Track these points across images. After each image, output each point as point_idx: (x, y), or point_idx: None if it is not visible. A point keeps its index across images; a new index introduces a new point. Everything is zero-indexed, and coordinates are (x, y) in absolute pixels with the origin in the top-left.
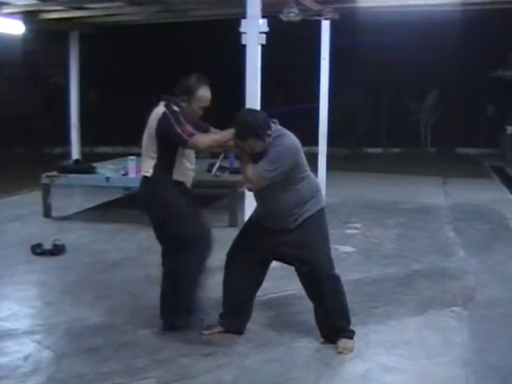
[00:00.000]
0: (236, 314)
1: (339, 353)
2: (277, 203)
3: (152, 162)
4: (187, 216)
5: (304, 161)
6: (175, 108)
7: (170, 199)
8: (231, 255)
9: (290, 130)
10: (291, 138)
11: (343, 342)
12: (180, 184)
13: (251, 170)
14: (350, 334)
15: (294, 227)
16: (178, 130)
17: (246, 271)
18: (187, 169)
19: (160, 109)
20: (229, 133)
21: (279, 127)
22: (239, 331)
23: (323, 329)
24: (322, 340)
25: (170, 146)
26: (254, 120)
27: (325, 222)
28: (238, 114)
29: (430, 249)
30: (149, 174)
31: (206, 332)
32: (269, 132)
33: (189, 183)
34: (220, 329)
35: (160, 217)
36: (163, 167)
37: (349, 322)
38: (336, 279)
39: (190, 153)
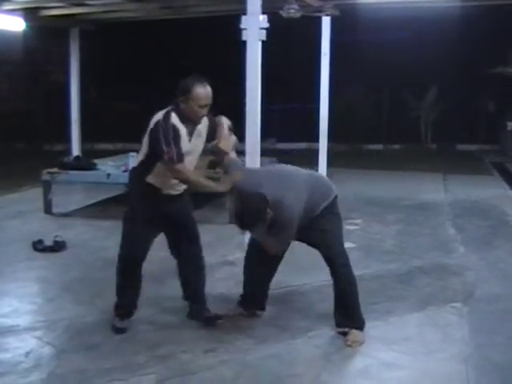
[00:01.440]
0: (255, 294)
1: (348, 346)
2: None
3: (140, 158)
4: (135, 222)
5: (302, 193)
6: (173, 121)
7: (132, 196)
8: (252, 243)
9: (289, 127)
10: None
11: (353, 335)
12: (151, 187)
13: (274, 242)
14: (362, 325)
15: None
16: (164, 147)
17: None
18: (168, 178)
19: (159, 115)
20: (219, 187)
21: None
22: (261, 308)
23: (337, 315)
24: (324, 336)
25: (155, 153)
26: (255, 213)
27: (338, 207)
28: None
29: (431, 245)
30: (135, 166)
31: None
32: (268, 212)
33: (168, 191)
34: (240, 310)
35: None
36: (144, 166)
37: (360, 313)
38: (349, 268)
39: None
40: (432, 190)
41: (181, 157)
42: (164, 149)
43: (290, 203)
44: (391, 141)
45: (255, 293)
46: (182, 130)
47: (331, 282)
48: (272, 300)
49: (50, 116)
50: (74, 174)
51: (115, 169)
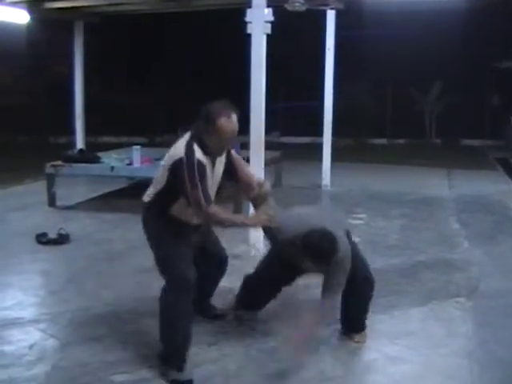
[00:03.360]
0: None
1: (356, 342)
2: None
3: (155, 189)
4: (171, 245)
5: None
6: (197, 157)
7: (153, 235)
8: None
9: (294, 122)
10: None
11: (360, 335)
12: (176, 221)
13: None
14: (365, 326)
15: None
16: (189, 189)
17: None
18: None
19: (180, 148)
20: (253, 221)
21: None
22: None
23: (347, 323)
24: (328, 330)
25: (176, 190)
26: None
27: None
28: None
29: (435, 240)
30: (147, 200)
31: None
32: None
33: (195, 222)
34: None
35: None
36: (162, 201)
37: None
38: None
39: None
40: (436, 184)
41: (209, 198)
42: (189, 191)
43: (345, 245)
44: (395, 135)
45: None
46: (207, 163)
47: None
48: None
49: (54, 109)
50: (78, 167)
51: (119, 162)
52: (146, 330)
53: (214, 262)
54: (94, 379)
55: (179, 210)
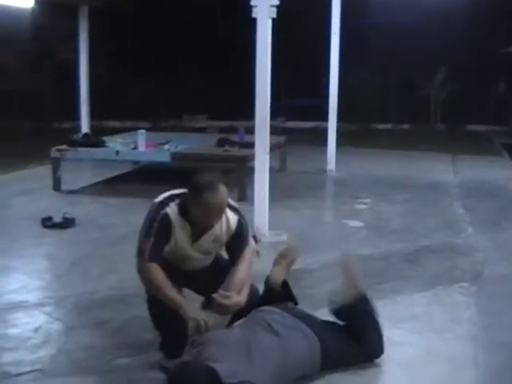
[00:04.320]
0: None
1: None
2: None
3: None
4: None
5: None
6: (167, 213)
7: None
8: None
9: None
10: None
11: None
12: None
13: None
14: None
15: None
16: (140, 237)
17: None
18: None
19: (161, 197)
20: (187, 313)
21: None
22: None
23: None
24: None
25: None
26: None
27: None
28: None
29: (439, 225)
30: None
31: None
32: None
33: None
34: None
35: None
36: None
37: None
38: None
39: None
40: (441, 170)
41: (156, 257)
42: (140, 238)
43: None
44: (400, 121)
45: None
46: (180, 226)
47: (338, 260)
48: None
49: (58, 94)
50: (83, 151)
51: (124, 146)
52: None
53: None
54: (98, 362)
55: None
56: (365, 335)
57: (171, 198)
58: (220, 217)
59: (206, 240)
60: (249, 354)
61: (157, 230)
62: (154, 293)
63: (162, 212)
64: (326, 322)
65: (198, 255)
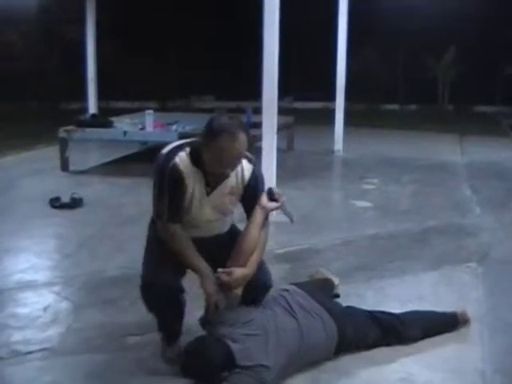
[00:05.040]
0: None
1: None
2: None
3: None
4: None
5: None
6: (177, 165)
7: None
8: None
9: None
10: None
11: None
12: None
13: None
14: None
15: None
16: (156, 197)
17: None
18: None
19: (166, 147)
20: (205, 283)
21: None
22: None
23: None
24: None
25: None
26: None
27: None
28: None
29: (446, 205)
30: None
31: None
32: None
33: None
34: None
35: None
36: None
37: None
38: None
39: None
40: (448, 151)
41: (175, 215)
42: (154, 201)
43: None
44: (408, 101)
45: None
46: (192, 177)
47: (346, 240)
48: (287, 257)
49: (66, 75)
50: (91, 132)
51: (132, 126)
52: None
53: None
54: (107, 341)
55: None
56: (385, 321)
57: (180, 147)
58: (237, 164)
59: (222, 191)
60: (266, 337)
61: (168, 185)
62: (179, 258)
63: (171, 164)
64: (348, 308)
65: (214, 215)
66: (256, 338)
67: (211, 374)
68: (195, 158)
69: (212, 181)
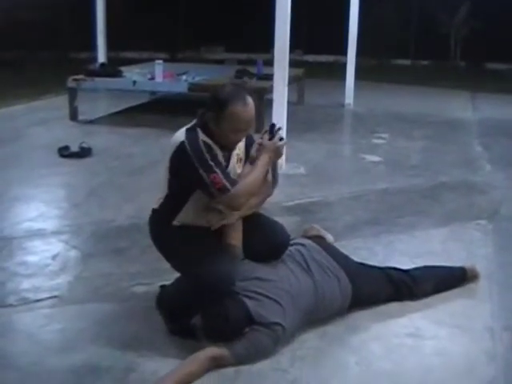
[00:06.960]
0: None
1: None
2: None
3: (163, 194)
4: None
5: None
6: (202, 138)
7: (166, 243)
8: None
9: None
10: None
11: None
12: (187, 229)
13: None
14: None
15: None
16: (206, 178)
17: None
18: (206, 209)
19: (179, 134)
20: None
21: None
22: None
23: None
24: (349, 247)
25: (183, 188)
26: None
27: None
28: None
29: (457, 162)
30: (155, 207)
31: None
32: None
33: (213, 223)
34: None
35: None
36: (168, 207)
37: None
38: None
39: None
40: (460, 107)
41: (232, 180)
42: (206, 179)
43: None
44: (419, 57)
45: None
46: (217, 150)
47: (356, 194)
48: (297, 209)
49: (76, 24)
50: (100, 81)
51: (141, 76)
52: None
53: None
54: (115, 289)
55: (188, 214)
56: (397, 278)
57: (192, 128)
58: (249, 129)
59: (233, 162)
60: (281, 295)
61: (211, 158)
62: (260, 199)
63: (199, 141)
64: (362, 265)
65: None
66: (273, 294)
67: (235, 332)
68: (208, 135)
69: (225, 154)
